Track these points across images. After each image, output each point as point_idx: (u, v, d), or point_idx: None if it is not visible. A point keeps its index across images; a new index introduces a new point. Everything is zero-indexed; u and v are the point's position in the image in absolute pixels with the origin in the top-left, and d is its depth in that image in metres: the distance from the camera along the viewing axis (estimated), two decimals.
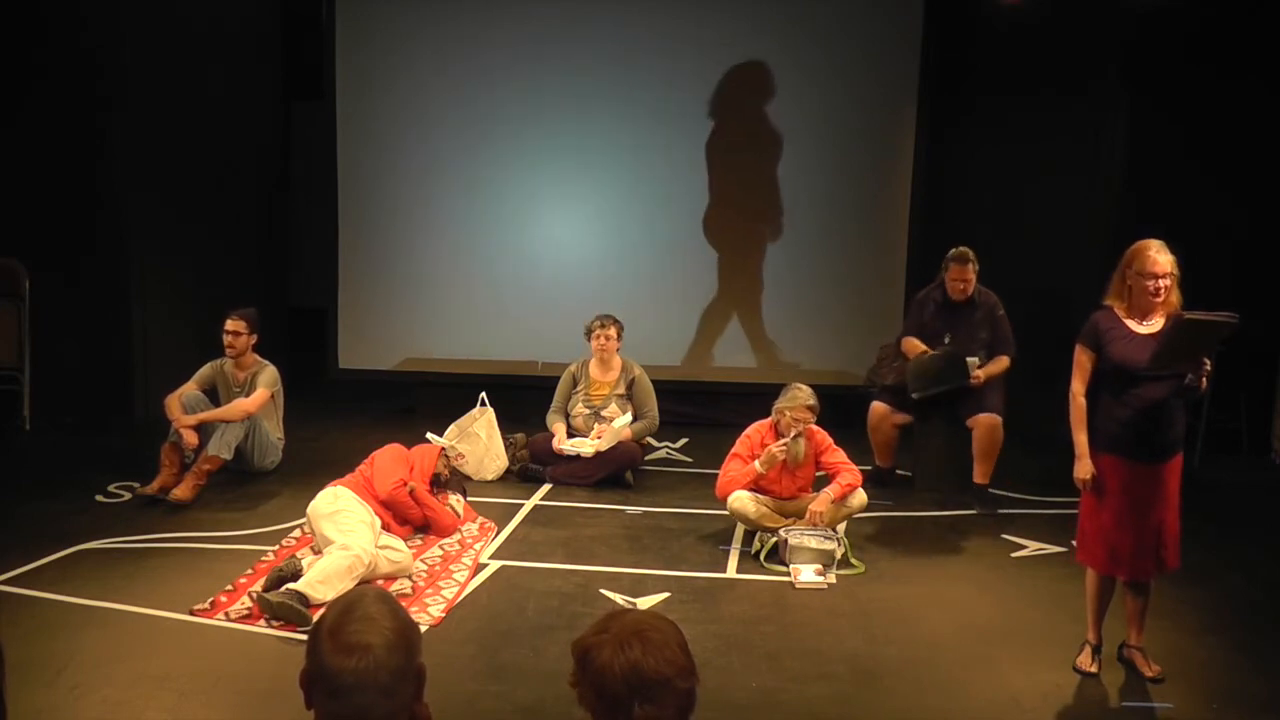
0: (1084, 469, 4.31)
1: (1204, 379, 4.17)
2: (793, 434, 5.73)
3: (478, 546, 5.70)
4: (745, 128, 8.44)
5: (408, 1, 8.49)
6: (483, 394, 7.16)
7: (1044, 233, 8.07)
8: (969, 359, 6.36)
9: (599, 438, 6.86)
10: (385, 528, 5.45)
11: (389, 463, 5.79)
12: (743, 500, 5.70)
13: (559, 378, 7.27)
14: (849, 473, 5.78)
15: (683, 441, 7.90)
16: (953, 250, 6.56)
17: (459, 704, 4.00)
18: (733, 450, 5.88)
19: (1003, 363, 6.48)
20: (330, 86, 8.58)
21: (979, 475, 6.48)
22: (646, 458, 7.27)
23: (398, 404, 8.71)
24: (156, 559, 5.38)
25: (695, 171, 8.49)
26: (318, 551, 5.21)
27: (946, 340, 6.50)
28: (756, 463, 5.74)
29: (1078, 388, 4.36)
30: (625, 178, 8.53)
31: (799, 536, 5.46)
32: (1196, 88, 7.43)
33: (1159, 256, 4.19)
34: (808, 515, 5.59)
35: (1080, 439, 4.33)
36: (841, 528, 5.84)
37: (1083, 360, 4.37)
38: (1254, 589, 5.40)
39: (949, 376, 6.33)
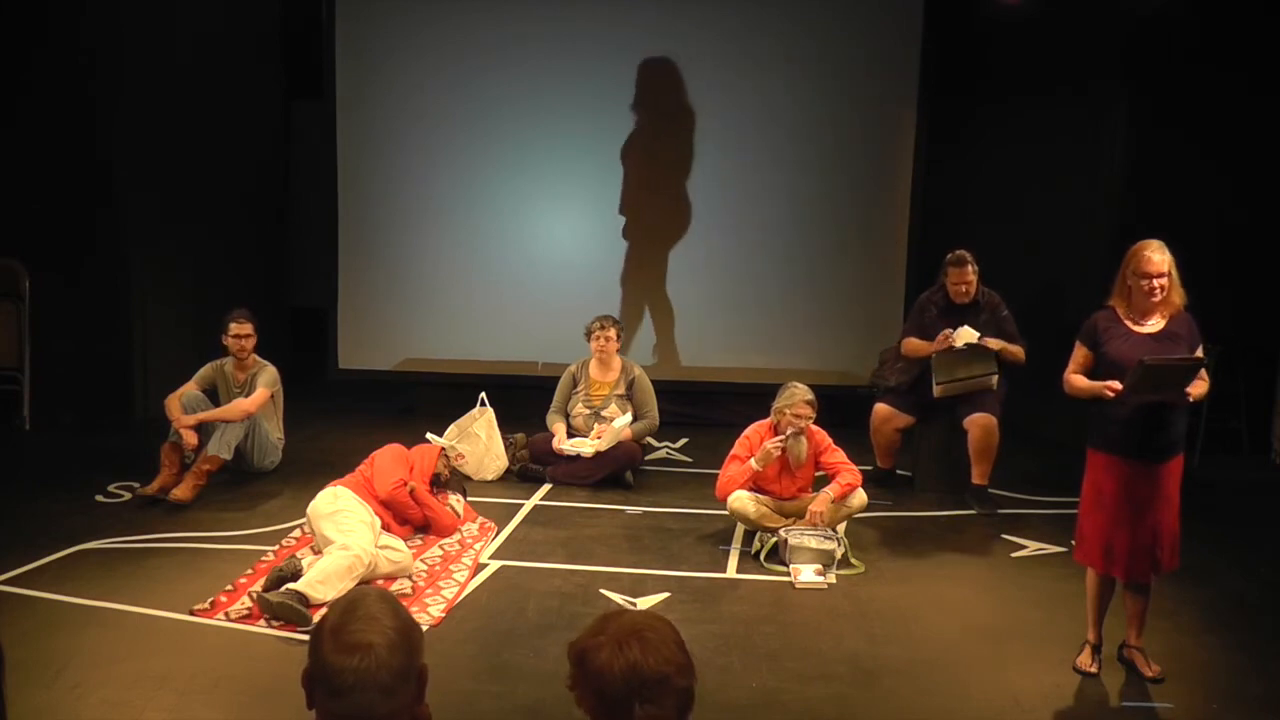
0: (1103, 384, 4.22)
1: (1190, 400, 4.19)
2: (790, 432, 5.73)
3: (478, 546, 5.70)
4: (745, 127, 8.43)
5: (408, 1, 8.49)
6: (483, 394, 7.16)
7: (1044, 233, 8.07)
8: (979, 339, 6.35)
9: (599, 438, 6.86)
10: (385, 528, 5.45)
11: (389, 463, 5.79)
12: (743, 500, 5.70)
13: (559, 378, 7.28)
14: (849, 473, 5.77)
15: (683, 441, 7.90)
16: (950, 254, 6.55)
17: (459, 704, 3.99)
18: (732, 452, 5.87)
19: (1017, 350, 6.46)
20: (330, 86, 8.58)
21: (977, 476, 6.48)
22: (646, 458, 7.28)
23: (398, 404, 8.71)
24: (156, 559, 5.37)
25: (694, 171, 8.49)
26: (318, 551, 5.21)
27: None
28: (752, 460, 5.74)
29: (1070, 374, 4.41)
30: (624, 178, 8.52)
31: (799, 536, 5.46)
32: (1196, 88, 7.43)
33: (1155, 256, 4.21)
34: (808, 515, 5.59)
35: (1088, 385, 4.28)
36: (841, 528, 5.84)
37: (1078, 356, 4.42)
38: (1254, 589, 5.40)
39: (977, 367, 6.32)
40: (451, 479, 6.20)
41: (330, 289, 8.76)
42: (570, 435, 7.01)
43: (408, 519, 5.73)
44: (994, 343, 6.36)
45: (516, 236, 8.61)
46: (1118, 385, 4.17)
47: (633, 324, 8.43)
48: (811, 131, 8.42)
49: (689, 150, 8.48)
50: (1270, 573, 5.62)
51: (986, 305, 6.55)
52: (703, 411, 8.38)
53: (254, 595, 4.80)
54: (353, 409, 8.55)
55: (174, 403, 6.45)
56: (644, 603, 5.01)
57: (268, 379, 6.66)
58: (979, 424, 6.38)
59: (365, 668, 1.84)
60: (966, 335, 6.34)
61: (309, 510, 5.39)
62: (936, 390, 6.40)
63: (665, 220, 8.56)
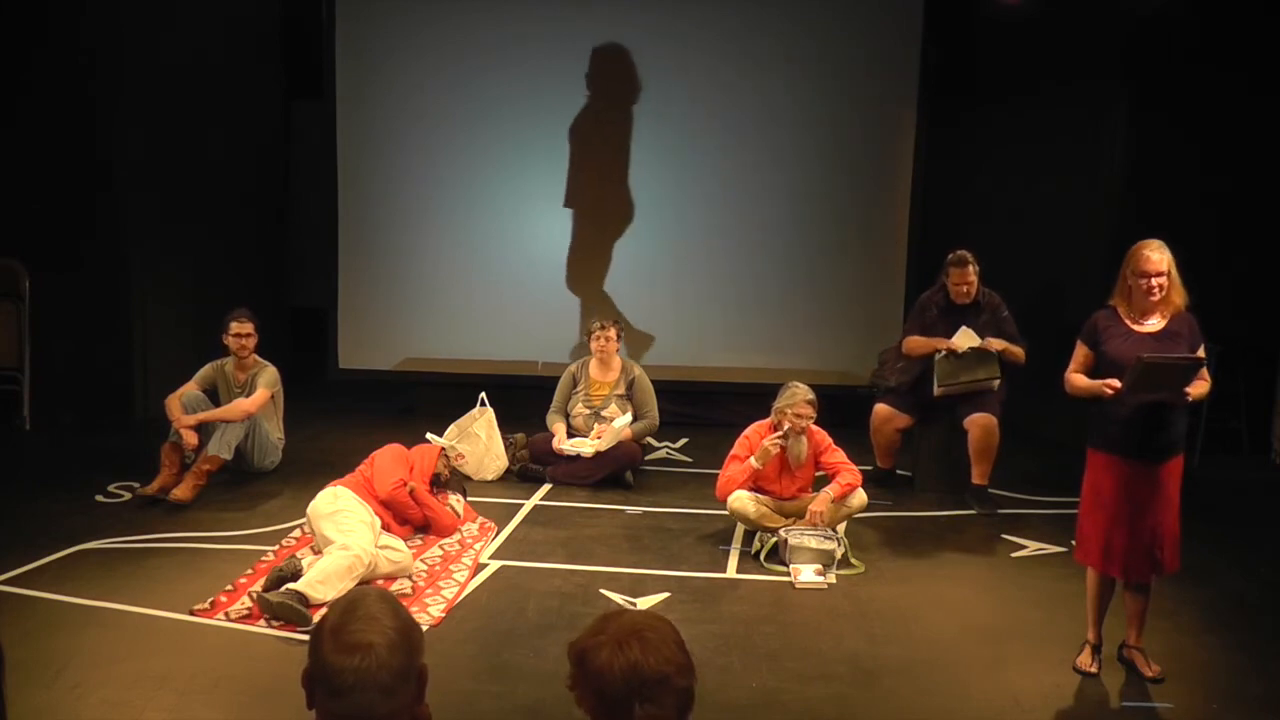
0: (1102, 382, 4.24)
1: (1189, 399, 4.20)
2: (787, 429, 5.73)
3: (478, 546, 5.70)
4: (745, 127, 8.43)
5: (408, 1, 8.49)
6: (483, 394, 7.16)
7: (1043, 233, 8.07)
8: (979, 342, 6.35)
9: (599, 438, 6.86)
10: (385, 528, 5.45)
11: (389, 463, 5.79)
12: (743, 500, 5.70)
13: (559, 378, 7.28)
14: (849, 473, 5.77)
15: (683, 441, 7.90)
16: (951, 255, 6.55)
17: (459, 704, 3.99)
18: (732, 452, 5.87)
19: (1017, 350, 6.45)
20: (330, 86, 8.58)
21: (977, 476, 6.47)
22: (646, 458, 7.28)
23: (398, 404, 8.71)
24: (156, 559, 5.37)
25: (695, 171, 8.49)
26: (318, 551, 5.21)
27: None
28: (752, 459, 5.74)
29: (1071, 372, 4.43)
30: (624, 177, 8.53)
31: (799, 536, 5.46)
32: (1196, 88, 7.43)
33: (1154, 255, 4.23)
34: (808, 515, 5.59)
35: (1088, 384, 4.31)
36: (841, 528, 5.84)
37: (1079, 355, 4.44)
38: (1254, 589, 5.40)
39: (979, 371, 6.33)
40: (451, 479, 6.20)
41: (330, 289, 8.76)
42: (570, 435, 7.01)
43: (408, 519, 5.73)
44: (996, 343, 6.37)
45: (516, 236, 8.61)
46: (1116, 383, 4.18)
47: (633, 322, 8.42)
48: (811, 131, 8.42)
49: (688, 150, 8.47)
50: (1270, 573, 5.62)
51: (987, 305, 6.54)
52: (703, 411, 8.38)
53: (254, 595, 4.80)
54: (353, 409, 8.55)
55: (174, 403, 6.45)
56: (644, 603, 5.01)
57: (268, 379, 6.66)
58: (979, 424, 6.38)
59: (365, 668, 1.84)
60: (967, 338, 6.34)
61: (309, 510, 5.39)
62: (937, 390, 6.41)
63: (665, 220, 8.56)
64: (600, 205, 8.59)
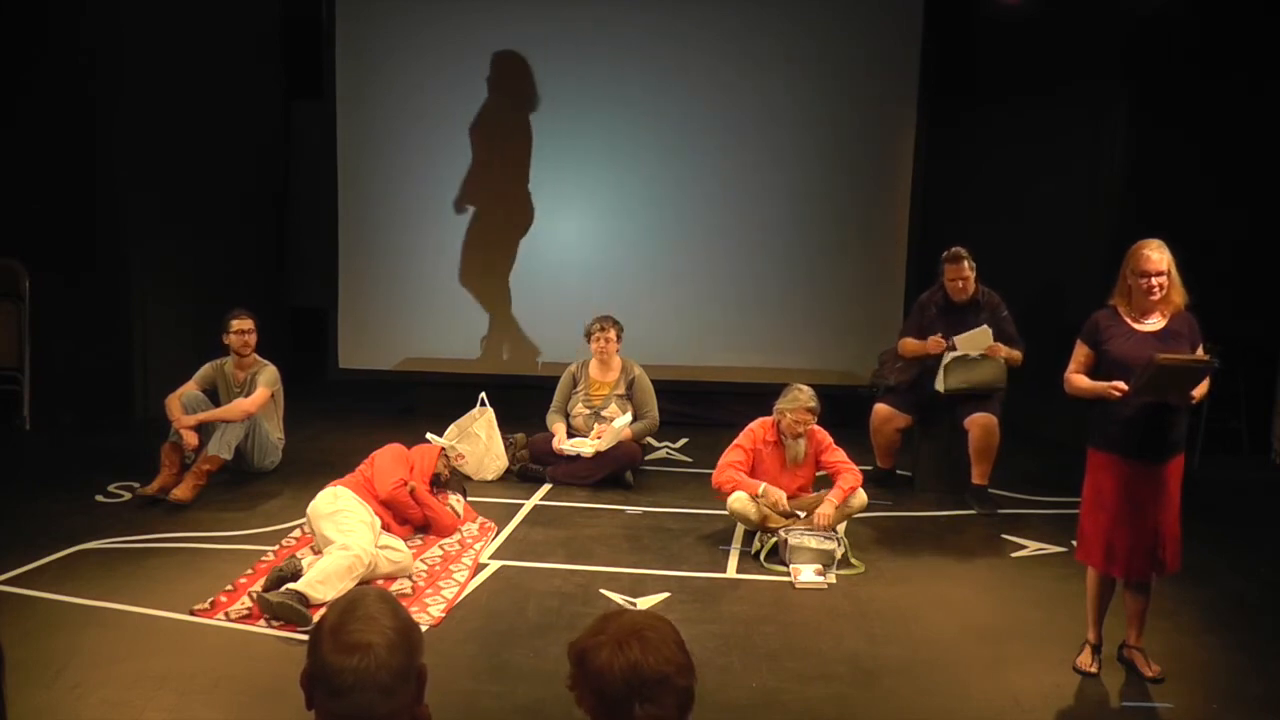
0: (1109, 384, 4.23)
1: (1193, 402, 4.20)
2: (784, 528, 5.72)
3: (478, 546, 5.70)
4: (745, 127, 8.44)
5: (408, 1, 8.49)
6: (483, 394, 7.16)
7: (1043, 233, 8.07)
8: (989, 345, 6.36)
9: (599, 438, 6.86)
10: (385, 528, 5.45)
11: (389, 463, 5.79)
12: (743, 500, 5.70)
13: (559, 378, 7.28)
14: (849, 473, 5.77)
15: (683, 441, 7.90)
16: (946, 252, 6.56)
17: (459, 704, 4.00)
18: (735, 442, 5.87)
19: (1017, 355, 6.46)
20: (330, 86, 8.59)
21: (977, 476, 6.48)
22: (646, 458, 7.28)
23: (398, 404, 8.71)
24: (156, 559, 5.37)
25: (694, 171, 8.50)
26: (318, 551, 5.21)
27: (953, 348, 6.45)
28: (762, 486, 5.72)
29: (1071, 373, 4.42)
30: (625, 178, 8.53)
31: (799, 536, 5.46)
32: (1196, 88, 7.43)
33: (1153, 255, 4.23)
34: (815, 521, 5.58)
35: (1091, 385, 4.30)
36: (841, 528, 5.84)
37: (1079, 355, 4.43)
38: (1254, 589, 5.40)
39: (987, 374, 6.34)
40: (451, 479, 6.20)
41: (330, 289, 8.76)
42: (570, 435, 7.01)
43: (408, 519, 5.73)
44: (1001, 349, 6.36)
45: (517, 236, 8.61)
46: (1124, 386, 4.17)
47: (633, 322, 8.42)
48: (811, 131, 8.42)
49: (689, 150, 8.47)
50: (1270, 573, 5.62)
51: (987, 305, 6.55)
52: (703, 411, 8.38)
53: (254, 595, 4.80)
54: (353, 409, 8.55)
55: (174, 403, 6.45)
56: (644, 603, 5.01)
57: (268, 378, 6.66)
58: (979, 424, 6.38)
59: (365, 668, 1.84)
60: (984, 336, 6.32)
61: (309, 510, 5.39)
62: (943, 387, 6.40)
63: (665, 220, 8.56)
64: (601, 205, 8.59)
